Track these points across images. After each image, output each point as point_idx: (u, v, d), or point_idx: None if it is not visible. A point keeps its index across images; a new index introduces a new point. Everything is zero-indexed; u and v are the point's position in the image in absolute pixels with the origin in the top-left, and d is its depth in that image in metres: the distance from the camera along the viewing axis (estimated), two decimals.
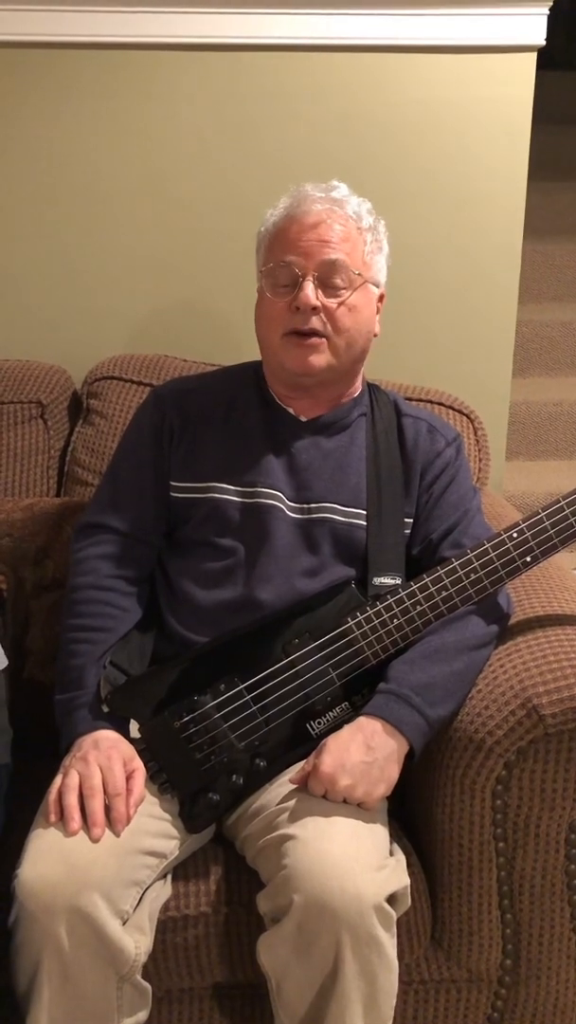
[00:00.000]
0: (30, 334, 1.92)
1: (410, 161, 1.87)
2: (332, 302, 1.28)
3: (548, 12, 1.79)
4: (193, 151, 1.86)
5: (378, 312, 1.36)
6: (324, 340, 1.29)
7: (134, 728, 1.25)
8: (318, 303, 1.27)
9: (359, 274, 1.29)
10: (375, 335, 1.36)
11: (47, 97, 1.82)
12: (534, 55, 1.83)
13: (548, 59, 1.96)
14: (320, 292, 1.27)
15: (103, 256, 1.90)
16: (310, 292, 1.26)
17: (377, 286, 1.34)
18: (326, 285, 1.28)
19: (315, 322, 1.27)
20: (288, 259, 1.28)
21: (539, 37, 1.80)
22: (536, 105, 1.86)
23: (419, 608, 1.23)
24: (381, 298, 1.36)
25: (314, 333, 1.28)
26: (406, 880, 1.14)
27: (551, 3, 1.78)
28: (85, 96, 1.82)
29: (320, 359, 1.29)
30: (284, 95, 1.83)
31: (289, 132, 1.85)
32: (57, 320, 1.93)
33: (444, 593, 1.23)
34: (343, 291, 1.28)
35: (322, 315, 1.27)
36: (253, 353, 1.43)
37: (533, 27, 1.79)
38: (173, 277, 1.92)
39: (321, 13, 1.77)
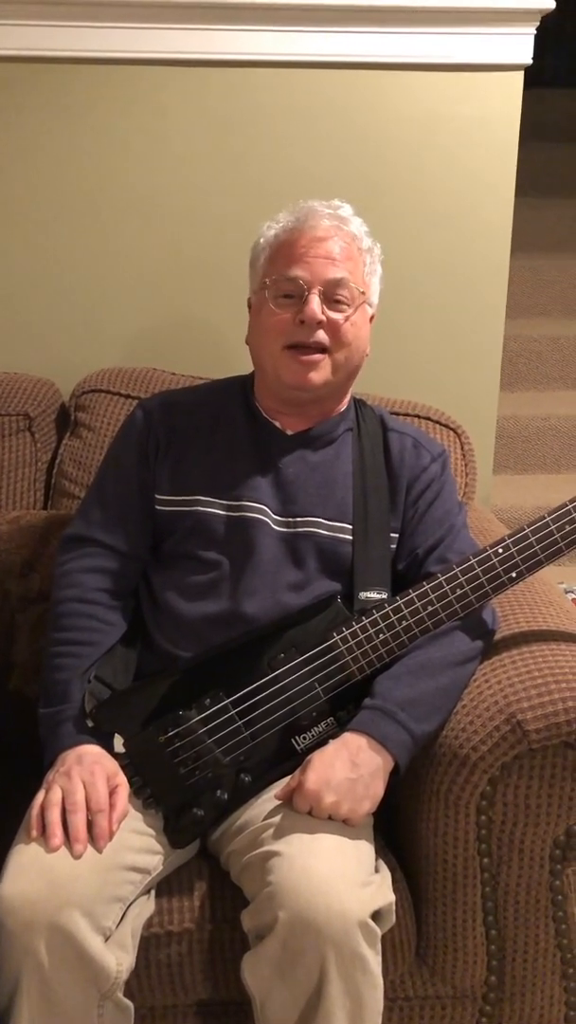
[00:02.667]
0: (18, 347, 1.92)
1: (399, 177, 1.89)
2: (337, 316, 1.29)
3: (535, 32, 1.80)
4: (183, 166, 1.87)
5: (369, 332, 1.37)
6: (325, 355, 1.30)
7: (118, 743, 1.24)
8: (323, 317, 1.27)
9: (362, 292, 1.30)
10: (366, 355, 1.37)
11: (37, 111, 1.82)
12: (521, 73, 1.84)
13: (536, 76, 1.98)
14: (324, 306, 1.28)
15: (92, 270, 1.91)
16: (316, 306, 1.27)
17: (371, 306, 1.36)
18: (330, 299, 1.29)
19: (320, 335, 1.28)
20: (294, 272, 1.28)
21: (526, 56, 1.82)
22: (524, 122, 1.88)
23: (405, 623, 1.23)
24: (371, 318, 1.37)
25: (318, 346, 1.29)
26: (391, 896, 1.14)
27: (538, 23, 1.80)
28: (75, 111, 1.83)
29: (319, 375, 1.30)
30: (274, 111, 1.84)
31: (279, 148, 1.86)
32: (46, 333, 1.93)
33: (430, 608, 1.23)
34: (346, 307, 1.29)
35: (325, 328, 1.28)
36: (241, 367, 1.43)
37: (520, 46, 1.81)
38: (162, 291, 1.93)
39: (311, 31, 1.78)
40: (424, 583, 1.24)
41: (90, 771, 1.16)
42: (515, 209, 1.94)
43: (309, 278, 1.28)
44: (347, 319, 1.29)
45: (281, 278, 1.29)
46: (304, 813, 1.14)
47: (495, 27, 1.79)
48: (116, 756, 1.22)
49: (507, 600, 1.42)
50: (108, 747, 1.23)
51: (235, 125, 1.85)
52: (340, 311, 1.29)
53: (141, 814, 1.20)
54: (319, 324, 1.27)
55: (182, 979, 1.20)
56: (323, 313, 1.27)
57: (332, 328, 1.29)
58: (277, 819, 1.15)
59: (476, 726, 1.19)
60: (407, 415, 1.75)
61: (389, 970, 1.19)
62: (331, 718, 1.23)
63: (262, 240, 1.36)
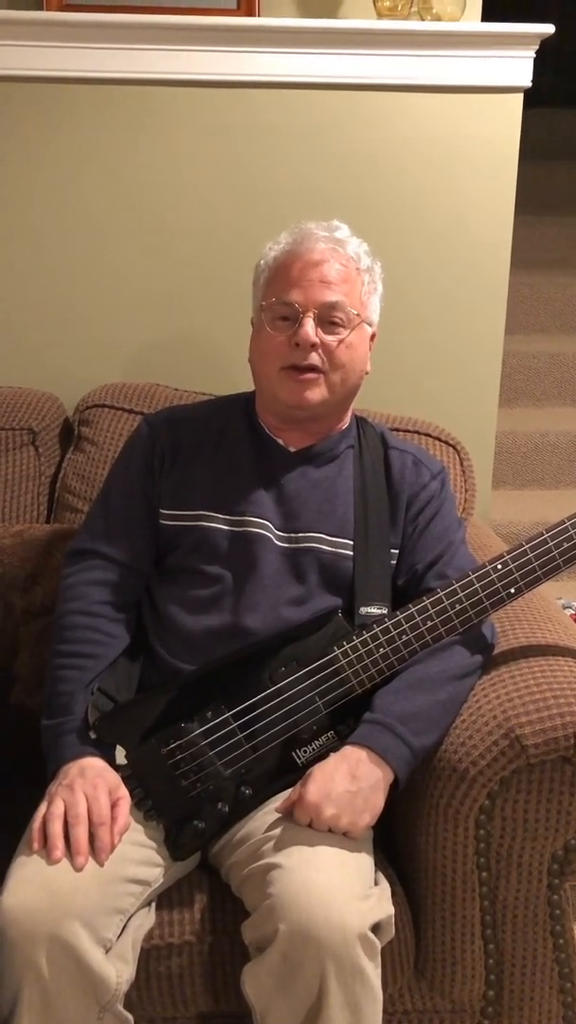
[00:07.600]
0: (23, 361, 1.94)
1: (401, 196, 1.91)
2: (331, 339, 1.30)
3: (534, 55, 1.83)
4: (186, 185, 1.89)
5: (370, 350, 1.38)
6: (321, 375, 1.31)
7: (120, 755, 1.25)
8: (317, 340, 1.29)
9: (357, 314, 1.32)
10: (366, 372, 1.38)
11: (42, 130, 1.84)
12: (521, 95, 1.87)
13: (536, 96, 2.01)
14: (319, 329, 1.30)
15: (96, 285, 1.93)
16: (310, 329, 1.29)
17: (371, 325, 1.37)
18: (325, 322, 1.30)
19: (314, 358, 1.30)
20: (290, 296, 1.30)
21: (525, 79, 1.84)
22: (524, 141, 1.90)
23: (405, 638, 1.24)
24: (373, 337, 1.39)
25: (312, 368, 1.30)
26: (390, 909, 1.14)
27: (537, 47, 1.82)
28: (80, 130, 1.85)
29: (315, 393, 1.32)
30: (277, 131, 1.87)
31: (281, 167, 1.89)
32: (50, 348, 1.94)
33: (429, 623, 1.24)
34: (341, 329, 1.31)
35: (320, 351, 1.30)
36: (244, 383, 1.45)
37: (520, 69, 1.83)
38: (165, 307, 1.95)
39: (314, 53, 1.81)
40: (424, 598, 1.25)
41: (92, 784, 1.17)
42: (514, 227, 1.96)
43: (304, 301, 1.30)
44: (341, 342, 1.31)
45: (277, 302, 1.31)
46: (304, 826, 1.15)
47: (495, 50, 1.82)
48: (118, 768, 1.23)
49: (506, 615, 1.43)
50: (110, 759, 1.23)
51: (238, 144, 1.87)
52: (335, 333, 1.31)
53: (142, 826, 1.20)
54: (313, 346, 1.29)
55: (182, 991, 1.21)
56: (317, 336, 1.29)
57: (327, 351, 1.30)
58: (278, 832, 1.15)
59: (475, 740, 1.20)
60: (407, 431, 1.77)
61: (388, 984, 1.19)
62: (331, 732, 1.24)
63: (262, 262, 1.38)
